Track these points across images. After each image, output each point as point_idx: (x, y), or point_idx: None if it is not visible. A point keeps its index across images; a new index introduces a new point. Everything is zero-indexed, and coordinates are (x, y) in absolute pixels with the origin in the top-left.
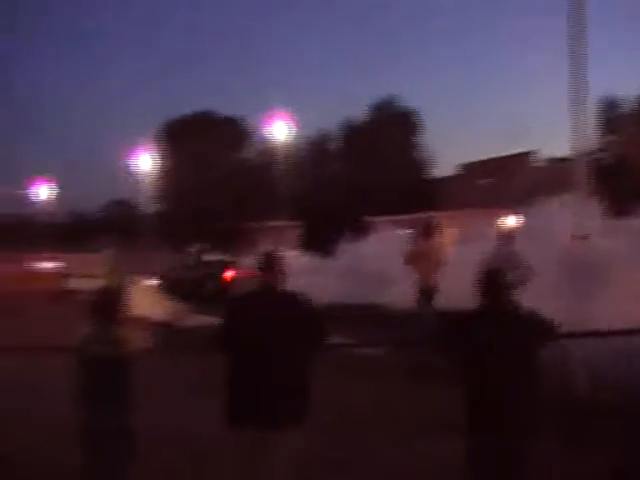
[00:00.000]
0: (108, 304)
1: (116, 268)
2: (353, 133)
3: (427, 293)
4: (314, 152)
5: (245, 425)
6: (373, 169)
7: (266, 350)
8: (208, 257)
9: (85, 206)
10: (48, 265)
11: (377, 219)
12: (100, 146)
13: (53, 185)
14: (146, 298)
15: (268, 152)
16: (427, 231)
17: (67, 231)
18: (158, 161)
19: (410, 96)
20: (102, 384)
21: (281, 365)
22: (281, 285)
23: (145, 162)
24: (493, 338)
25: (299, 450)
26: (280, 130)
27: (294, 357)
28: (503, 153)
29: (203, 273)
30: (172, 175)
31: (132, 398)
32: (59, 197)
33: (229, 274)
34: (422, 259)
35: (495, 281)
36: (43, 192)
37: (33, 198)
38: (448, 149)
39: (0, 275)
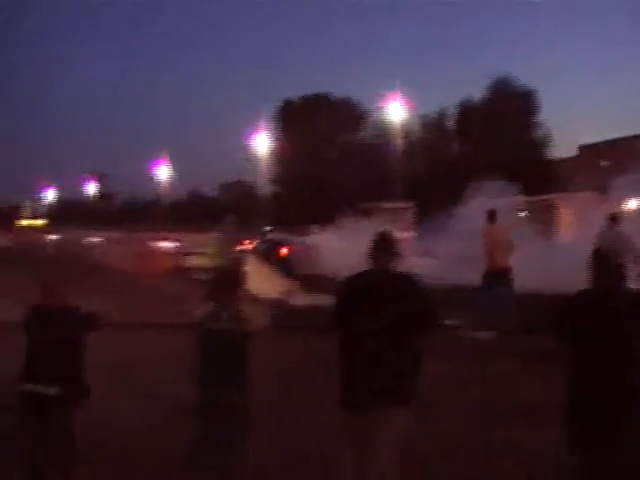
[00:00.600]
0: (227, 282)
1: (227, 247)
2: (471, 112)
3: (497, 275)
4: (431, 132)
5: (357, 405)
6: (491, 149)
7: (377, 331)
8: (272, 236)
9: (203, 187)
10: (168, 244)
11: (494, 201)
12: (218, 127)
13: (172, 167)
14: (260, 276)
15: (384, 132)
16: (491, 215)
17: (186, 211)
18: (274, 142)
19: (527, 74)
20: (221, 360)
21: (392, 346)
22: (394, 266)
23: (261, 143)
24: (603, 320)
25: (408, 432)
26: (396, 110)
27: (405, 338)
28: (625, 134)
29: (267, 247)
30: (287, 156)
31: (249, 374)
32: (178, 178)
33: (283, 250)
34: (492, 242)
35: (605, 262)
36: (163, 173)
37: (154, 180)
38: (568, 129)
39: (124, 254)
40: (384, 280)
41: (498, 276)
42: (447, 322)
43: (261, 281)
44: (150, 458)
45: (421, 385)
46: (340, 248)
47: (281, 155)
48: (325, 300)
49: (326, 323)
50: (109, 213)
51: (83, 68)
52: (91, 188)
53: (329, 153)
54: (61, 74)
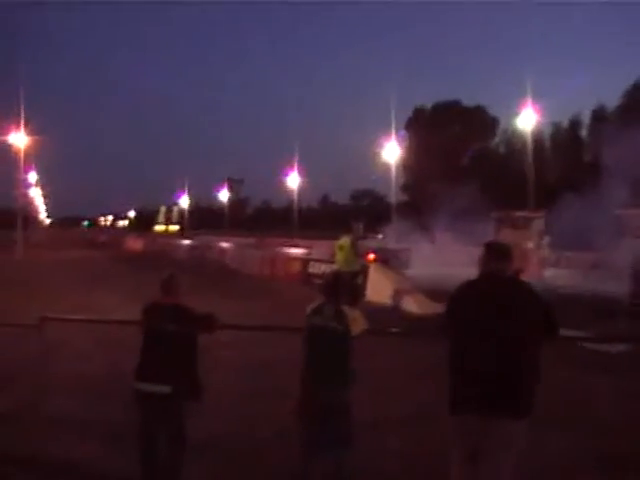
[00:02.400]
0: (333, 285)
1: (353, 255)
2: (604, 120)
3: None
4: (563, 140)
5: (470, 413)
6: (626, 157)
7: (492, 339)
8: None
9: (334, 194)
10: (298, 250)
11: (631, 211)
12: (350, 136)
13: (304, 174)
14: (380, 282)
15: (515, 140)
16: None
17: (317, 218)
18: (405, 150)
19: None
20: (321, 356)
21: (508, 356)
22: (508, 272)
23: (392, 151)
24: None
25: (523, 445)
26: (528, 118)
27: (522, 348)
28: None
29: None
30: (418, 164)
31: (351, 373)
32: (310, 185)
33: (370, 256)
34: None
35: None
36: (294, 180)
37: (286, 186)
38: None
39: (255, 259)
40: (498, 287)
41: None
42: (571, 333)
43: (380, 286)
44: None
45: (539, 397)
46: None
47: (412, 163)
48: (439, 308)
49: (436, 330)
50: (241, 219)
51: (216, 79)
52: (224, 194)
53: (460, 161)
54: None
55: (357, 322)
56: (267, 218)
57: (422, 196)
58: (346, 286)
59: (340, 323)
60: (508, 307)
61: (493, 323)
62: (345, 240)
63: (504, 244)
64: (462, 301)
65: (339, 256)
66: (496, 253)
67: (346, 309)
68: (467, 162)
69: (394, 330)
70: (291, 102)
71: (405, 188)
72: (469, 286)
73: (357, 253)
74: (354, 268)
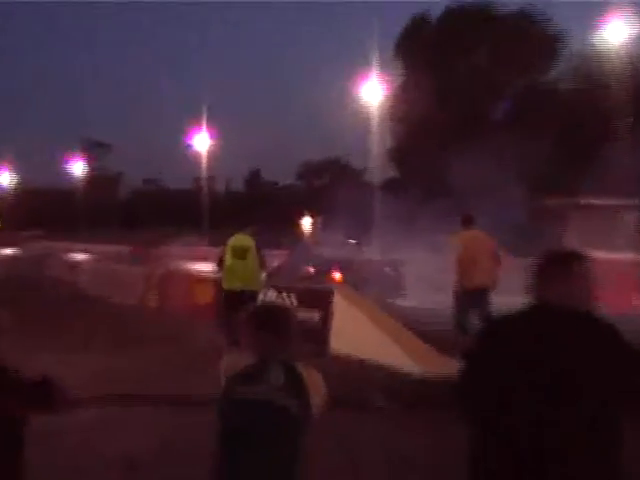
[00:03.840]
0: (279, 325)
1: (254, 264)
2: None
3: None
4: None
5: None
6: None
7: (548, 410)
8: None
9: (272, 170)
10: (208, 265)
11: None
12: (296, 75)
13: (218, 135)
14: (353, 321)
15: (590, 71)
16: None
17: (242, 207)
18: (394, 92)
19: None
20: (255, 451)
21: (572, 436)
22: (579, 303)
23: (372, 94)
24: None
25: None
26: (616, 30)
27: (594, 422)
28: None
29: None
30: (417, 115)
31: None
32: (230, 155)
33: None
34: None
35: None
36: (201, 144)
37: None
38: None
39: (135, 282)
40: (558, 327)
41: None
42: None
43: (351, 328)
44: None
45: None
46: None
47: (406, 114)
48: (454, 365)
49: (452, 400)
50: (110, 209)
51: None
52: (77, 167)
53: (490, 109)
54: None
55: (319, 391)
56: (155, 208)
57: (423, 171)
58: (281, 321)
59: (296, 395)
60: (574, 361)
61: (549, 386)
62: (244, 240)
63: (571, 254)
64: (494, 351)
65: (234, 265)
66: (556, 270)
67: (301, 369)
68: (503, 111)
69: (379, 404)
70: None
71: (394, 157)
72: (507, 325)
73: (262, 263)
74: (254, 287)
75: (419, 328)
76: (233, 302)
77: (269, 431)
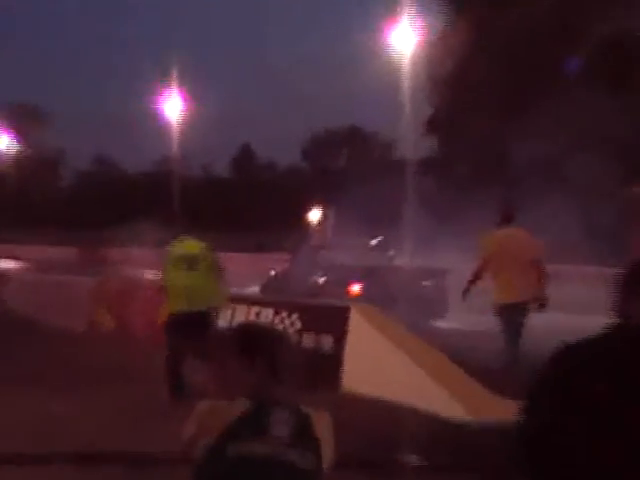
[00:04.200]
0: (284, 356)
1: (210, 275)
2: None
3: None
4: None
5: None
6: None
7: None
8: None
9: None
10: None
11: None
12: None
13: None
14: (375, 350)
15: None
16: None
17: (228, 195)
18: (434, 42)
19: None
20: None
21: None
22: None
23: (400, 40)
24: None
25: None
26: None
27: None
28: None
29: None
30: (465, 73)
31: None
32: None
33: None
34: None
35: None
36: (172, 109)
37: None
38: None
39: (81, 297)
40: None
41: None
42: None
43: (373, 359)
44: None
45: None
46: None
47: (450, 72)
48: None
49: (514, 458)
50: (50, 199)
51: None
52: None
53: (564, 63)
54: None
55: (330, 439)
56: (109, 197)
57: (473, 148)
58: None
59: (306, 448)
60: None
61: None
62: (197, 247)
63: None
64: (566, 392)
65: (185, 279)
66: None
67: (309, 412)
68: (579, 68)
69: (415, 462)
70: None
71: (434, 129)
72: (584, 355)
73: (221, 273)
74: (213, 302)
75: (465, 359)
76: (182, 329)
77: None
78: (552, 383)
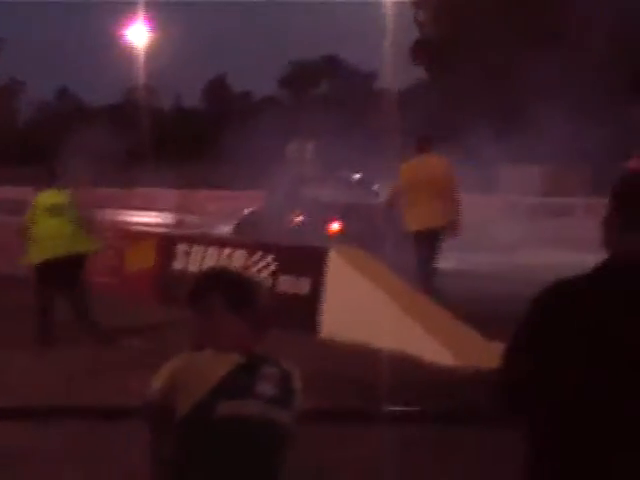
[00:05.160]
0: (255, 303)
1: (74, 222)
2: None
3: None
4: None
5: None
6: None
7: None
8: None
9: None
10: (148, 215)
11: None
12: None
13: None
14: (357, 293)
15: None
16: None
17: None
18: None
19: None
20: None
21: None
22: None
23: None
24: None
25: None
26: None
27: None
28: None
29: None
30: None
31: None
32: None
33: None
34: None
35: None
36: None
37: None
38: None
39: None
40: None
41: None
42: None
43: (354, 303)
44: None
45: None
46: None
47: None
48: (498, 352)
49: (498, 403)
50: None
51: None
52: None
53: None
54: None
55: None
56: (71, 132)
57: (465, 74)
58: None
59: (288, 405)
60: None
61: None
62: (62, 196)
63: None
64: (554, 330)
65: (51, 228)
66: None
67: (288, 367)
68: None
69: (396, 408)
70: None
71: (421, 55)
72: (570, 293)
73: (89, 218)
74: (84, 248)
75: (457, 302)
76: (51, 275)
77: (257, 452)
78: (532, 324)
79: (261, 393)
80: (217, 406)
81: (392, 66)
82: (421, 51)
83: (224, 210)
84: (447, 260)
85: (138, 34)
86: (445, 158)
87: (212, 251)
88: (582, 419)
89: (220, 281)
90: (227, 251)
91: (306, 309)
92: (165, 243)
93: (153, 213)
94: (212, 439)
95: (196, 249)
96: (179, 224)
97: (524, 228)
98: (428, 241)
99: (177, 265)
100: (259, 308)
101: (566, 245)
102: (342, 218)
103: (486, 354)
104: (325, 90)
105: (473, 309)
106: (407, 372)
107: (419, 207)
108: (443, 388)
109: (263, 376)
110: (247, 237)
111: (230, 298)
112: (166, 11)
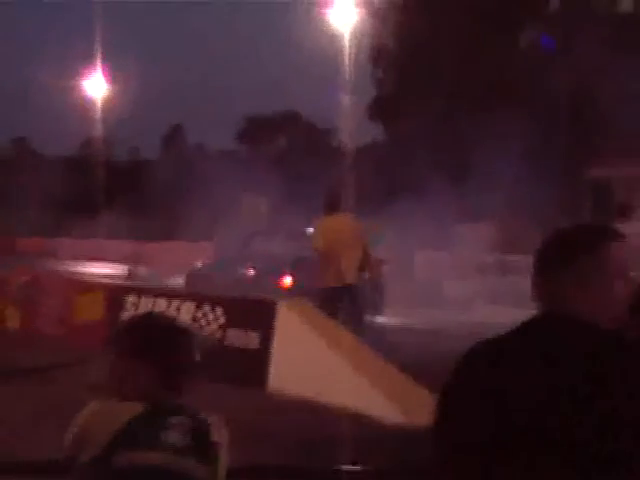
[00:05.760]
0: (175, 352)
1: None
2: None
3: None
4: None
5: None
6: None
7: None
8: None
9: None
10: (100, 266)
11: None
12: None
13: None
14: (306, 348)
15: None
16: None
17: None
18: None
19: None
20: None
21: None
22: (604, 315)
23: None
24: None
25: None
26: None
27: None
28: None
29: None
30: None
31: None
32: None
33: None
34: None
35: None
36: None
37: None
38: None
39: None
40: (581, 349)
41: None
42: None
43: (304, 357)
44: None
45: None
46: None
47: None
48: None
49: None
50: None
51: None
52: None
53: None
54: None
55: (224, 448)
56: (27, 182)
57: (423, 134)
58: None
59: (205, 457)
60: (597, 399)
61: (567, 432)
62: None
63: (602, 231)
64: (481, 386)
65: None
66: (562, 262)
67: (211, 419)
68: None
69: (349, 468)
70: None
71: (378, 114)
72: (498, 348)
73: None
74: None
75: (403, 357)
76: None
77: None
78: (457, 382)
79: (167, 443)
80: (114, 457)
81: (349, 122)
82: (376, 108)
83: (177, 262)
84: (398, 316)
85: (95, 84)
86: (352, 215)
87: (160, 303)
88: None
89: (132, 326)
90: (175, 303)
91: (254, 363)
92: (114, 294)
93: (105, 264)
94: None
95: (145, 301)
96: (131, 275)
97: (477, 285)
98: (341, 295)
99: (126, 316)
100: (176, 355)
101: (519, 302)
102: (293, 272)
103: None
104: (282, 145)
105: (423, 365)
106: (354, 428)
107: (332, 264)
108: (390, 445)
109: (170, 426)
110: (196, 289)
111: (137, 343)
112: (131, 60)
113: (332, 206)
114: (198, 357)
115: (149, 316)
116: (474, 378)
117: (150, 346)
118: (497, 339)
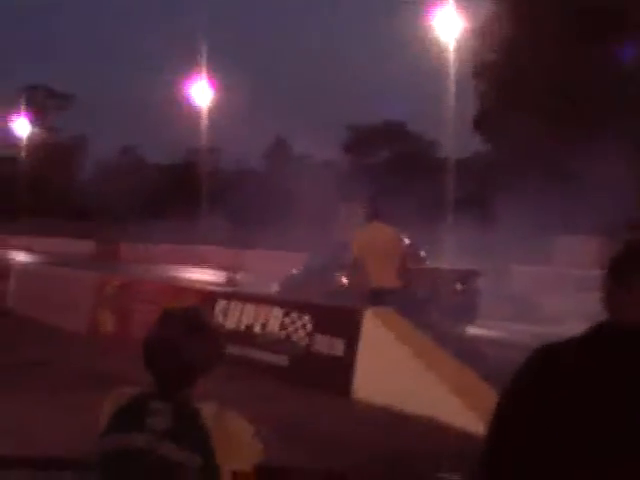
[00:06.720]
0: (167, 348)
1: None
2: None
3: None
4: None
5: None
6: None
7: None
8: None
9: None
10: (198, 272)
11: None
12: None
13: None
14: (389, 356)
15: None
16: None
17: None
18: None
19: None
20: None
21: None
22: None
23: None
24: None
25: None
26: None
27: None
28: None
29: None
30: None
31: None
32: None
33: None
34: None
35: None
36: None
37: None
38: None
39: (85, 294)
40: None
41: None
42: None
43: (386, 366)
44: None
45: None
46: None
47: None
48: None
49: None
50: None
51: None
52: (22, 126)
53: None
54: None
55: (246, 449)
56: (134, 188)
57: (526, 148)
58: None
59: (190, 443)
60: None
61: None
62: None
63: None
64: (540, 403)
65: None
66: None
67: (210, 413)
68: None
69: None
70: None
71: (482, 126)
72: (561, 359)
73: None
74: None
75: (490, 369)
76: None
77: None
78: (518, 389)
79: (152, 428)
80: (105, 440)
81: (453, 135)
82: (481, 121)
83: (275, 270)
84: (492, 329)
85: (201, 93)
86: (389, 225)
87: (249, 308)
88: None
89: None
90: (264, 309)
91: (339, 370)
92: (205, 299)
93: (205, 270)
94: (104, 474)
95: (234, 306)
96: (230, 282)
97: (577, 300)
98: (384, 297)
99: (214, 322)
100: (159, 346)
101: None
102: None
103: None
104: (386, 155)
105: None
106: (438, 439)
107: (365, 269)
108: (468, 454)
109: (154, 411)
110: (285, 296)
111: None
112: (235, 68)
113: (372, 216)
114: (211, 350)
115: (174, 309)
116: (535, 385)
117: (168, 330)
118: (563, 344)
